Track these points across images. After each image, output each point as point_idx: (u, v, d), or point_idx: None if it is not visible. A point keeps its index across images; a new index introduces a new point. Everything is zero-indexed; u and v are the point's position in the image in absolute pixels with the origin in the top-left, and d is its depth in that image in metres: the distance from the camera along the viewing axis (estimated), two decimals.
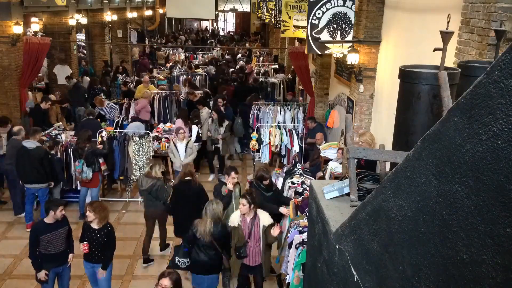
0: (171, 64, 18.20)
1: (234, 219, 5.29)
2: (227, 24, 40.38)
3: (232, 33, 35.67)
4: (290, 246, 5.32)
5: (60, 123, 9.95)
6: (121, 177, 8.59)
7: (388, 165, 2.63)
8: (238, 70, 15.73)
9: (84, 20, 15.33)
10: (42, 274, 5.14)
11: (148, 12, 24.61)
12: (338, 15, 7.79)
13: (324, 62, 10.81)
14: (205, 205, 5.32)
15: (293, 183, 6.63)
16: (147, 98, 11.34)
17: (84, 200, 7.84)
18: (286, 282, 5.24)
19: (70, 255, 5.41)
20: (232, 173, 6.03)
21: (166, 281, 4.09)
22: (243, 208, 5.18)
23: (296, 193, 6.32)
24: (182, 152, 8.39)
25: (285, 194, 6.66)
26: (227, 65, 17.23)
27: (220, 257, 5.30)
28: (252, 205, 5.21)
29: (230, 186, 5.98)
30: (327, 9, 7.79)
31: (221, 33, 36.02)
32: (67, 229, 5.33)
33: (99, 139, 8.16)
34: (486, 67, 1.04)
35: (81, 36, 19.08)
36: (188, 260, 5.32)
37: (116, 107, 11.24)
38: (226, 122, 9.69)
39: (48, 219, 5.14)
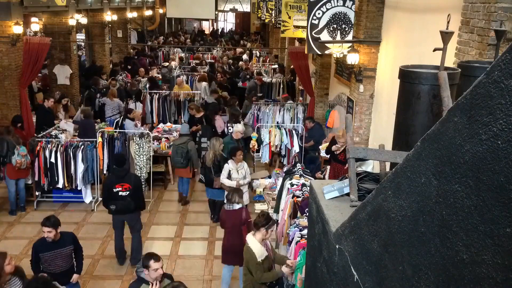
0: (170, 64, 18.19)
1: (260, 252, 4.71)
2: (227, 24, 40.38)
3: (231, 30, 35.68)
4: (290, 243, 5.34)
5: (64, 121, 10.00)
6: None
7: (388, 165, 2.63)
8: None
9: (84, 20, 15.32)
10: None
11: (148, 12, 24.62)
12: (338, 15, 7.79)
13: (324, 62, 10.81)
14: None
15: (292, 184, 6.62)
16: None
17: (15, 195, 7.95)
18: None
19: (75, 276, 5.12)
20: (152, 264, 4.02)
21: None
22: (266, 236, 4.82)
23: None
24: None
25: (284, 195, 6.65)
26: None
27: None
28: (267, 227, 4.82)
29: None
30: (327, 9, 7.79)
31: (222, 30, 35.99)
32: (71, 249, 5.05)
33: (99, 139, 8.16)
34: (486, 67, 1.04)
35: (81, 36, 19.07)
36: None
37: (122, 106, 11.27)
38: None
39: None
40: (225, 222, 5.80)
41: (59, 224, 4.95)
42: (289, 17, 11.35)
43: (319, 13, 7.81)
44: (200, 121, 9.76)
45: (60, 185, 8.14)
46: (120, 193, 6.35)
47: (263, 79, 14.78)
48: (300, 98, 13.17)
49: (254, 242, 4.74)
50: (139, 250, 6.63)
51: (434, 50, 2.75)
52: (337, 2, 7.75)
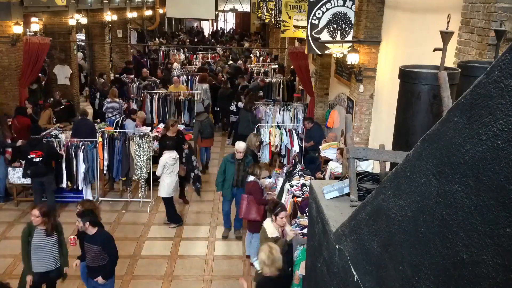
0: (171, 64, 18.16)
1: (271, 230, 5.14)
2: (227, 24, 40.37)
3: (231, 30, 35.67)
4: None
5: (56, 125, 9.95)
6: (123, 178, 8.59)
7: (388, 165, 2.63)
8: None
9: (84, 20, 15.31)
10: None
11: (148, 12, 24.59)
12: (338, 15, 7.79)
13: (324, 62, 10.81)
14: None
15: (292, 185, 6.61)
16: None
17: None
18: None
19: (99, 278, 5.09)
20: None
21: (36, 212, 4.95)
22: (283, 221, 5.13)
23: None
24: None
25: (284, 196, 6.64)
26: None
27: None
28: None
29: None
30: (327, 9, 7.79)
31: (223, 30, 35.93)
32: (98, 249, 4.99)
33: (99, 139, 8.16)
34: (486, 67, 1.04)
35: (81, 36, 19.05)
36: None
37: (123, 106, 11.26)
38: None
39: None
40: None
41: (89, 219, 5.08)
42: (289, 17, 11.35)
43: (319, 13, 7.81)
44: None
45: (64, 185, 8.16)
46: (34, 160, 7.40)
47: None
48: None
49: (268, 223, 5.25)
50: (54, 207, 7.48)
51: (434, 50, 2.75)
52: (337, 2, 7.75)
